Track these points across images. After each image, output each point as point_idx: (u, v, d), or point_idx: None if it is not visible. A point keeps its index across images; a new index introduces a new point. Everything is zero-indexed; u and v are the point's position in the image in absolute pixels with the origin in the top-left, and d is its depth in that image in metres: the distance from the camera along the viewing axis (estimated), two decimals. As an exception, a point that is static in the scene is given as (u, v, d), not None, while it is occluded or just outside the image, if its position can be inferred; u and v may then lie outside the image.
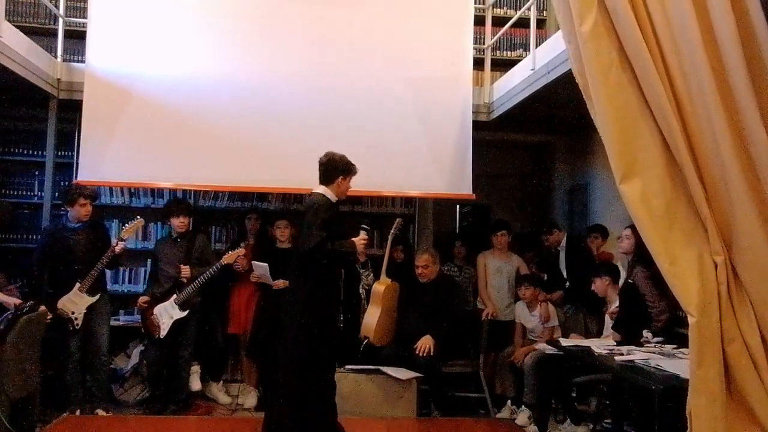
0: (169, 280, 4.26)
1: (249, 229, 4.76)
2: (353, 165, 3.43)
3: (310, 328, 3.19)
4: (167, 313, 4.21)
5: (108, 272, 4.40)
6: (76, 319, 4.01)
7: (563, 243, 4.80)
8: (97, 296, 4.06)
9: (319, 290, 3.23)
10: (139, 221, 4.17)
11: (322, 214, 3.18)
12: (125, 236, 4.13)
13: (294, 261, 3.40)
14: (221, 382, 4.73)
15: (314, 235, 3.12)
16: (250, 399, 4.57)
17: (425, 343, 4.16)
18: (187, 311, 4.21)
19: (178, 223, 4.33)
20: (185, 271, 4.22)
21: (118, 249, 4.08)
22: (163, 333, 4.19)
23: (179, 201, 4.62)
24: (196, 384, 4.46)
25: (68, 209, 4.11)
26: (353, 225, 5.24)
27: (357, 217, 5.39)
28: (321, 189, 3.35)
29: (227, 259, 4.25)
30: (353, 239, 3.37)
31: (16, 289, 4.20)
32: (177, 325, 4.22)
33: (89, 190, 4.20)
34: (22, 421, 3.44)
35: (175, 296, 4.21)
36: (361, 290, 4.61)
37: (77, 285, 4.02)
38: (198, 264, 4.30)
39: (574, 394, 4.16)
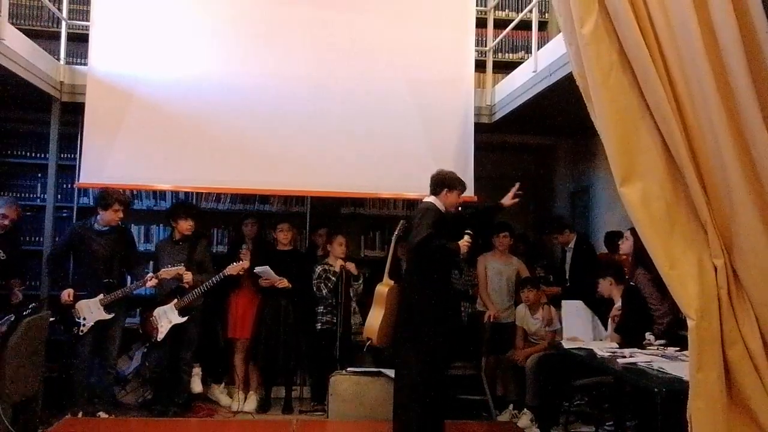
0: (170, 282, 4.27)
1: (246, 234, 4.76)
2: (460, 182, 3.75)
3: (430, 324, 3.44)
4: (166, 317, 4.22)
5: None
6: (83, 325, 4.02)
7: (571, 244, 4.79)
8: (111, 316, 4.08)
9: (433, 287, 3.49)
10: (181, 268, 4.17)
11: (431, 215, 3.52)
12: (162, 276, 4.14)
13: (408, 265, 3.71)
14: (223, 383, 4.74)
15: (423, 231, 3.41)
16: (252, 402, 4.57)
17: None
18: (186, 317, 4.21)
19: (186, 226, 4.34)
20: (187, 276, 4.22)
21: (149, 284, 4.15)
22: (160, 336, 4.20)
23: (186, 203, 4.60)
24: (197, 386, 4.46)
25: (100, 212, 4.12)
26: (356, 227, 5.35)
27: (359, 219, 5.42)
28: (431, 198, 3.70)
29: (231, 270, 4.26)
30: (458, 242, 3.58)
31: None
32: (178, 327, 4.22)
33: (125, 197, 4.24)
34: (24, 422, 3.45)
35: (176, 301, 4.22)
36: (351, 293, 4.65)
37: (101, 296, 4.05)
38: (198, 269, 4.31)
39: (576, 397, 4.15)
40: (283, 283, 4.47)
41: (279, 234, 4.63)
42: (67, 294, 4.01)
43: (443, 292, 3.56)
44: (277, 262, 4.55)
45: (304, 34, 4.57)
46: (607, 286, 3.94)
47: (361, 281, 4.69)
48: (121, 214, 4.14)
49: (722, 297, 2.14)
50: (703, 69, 2.13)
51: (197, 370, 4.49)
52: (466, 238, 3.61)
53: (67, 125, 4.71)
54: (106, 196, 4.12)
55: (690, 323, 2.13)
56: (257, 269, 4.43)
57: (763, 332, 2.16)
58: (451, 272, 3.71)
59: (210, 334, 4.58)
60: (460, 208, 3.93)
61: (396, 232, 4.32)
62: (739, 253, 2.17)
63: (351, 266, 4.62)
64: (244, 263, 4.33)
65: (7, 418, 3.20)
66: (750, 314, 2.16)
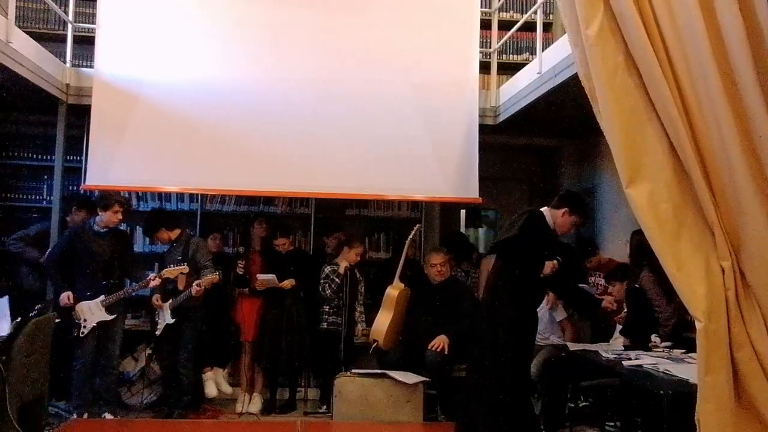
0: (167, 283, 4.27)
1: (256, 233, 4.76)
2: (586, 212, 3.41)
3: (517, 336, 3.23)
4: (162, 316, 4.26)
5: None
6: (84, 327, 4.03)
7: None
8: (114, 316, 4.10)
9: (521, 297, 3.25)
10: (184, 268, 4.17)
11: (532, 222, 3.20)
12: (165, 275, 4.15)
13: (493, 276, 3.41)
14: (226, 370, 4.68)
15: (512, 231, 3.16)
16: (256, 403, 4.58)
17: (440, 341, 4.15)
18: (174, 320, 4.22)
19: (165, 236, 4.39)
20: (181, 280, 4.23)
21: (152, 284, 4.16)
22: (157, 332, 4.26)
23: (158, 217, 4.55)
24: (212, 390, 4.47)
25: (100, 213, 4.13)
26: (360, 229, 5.35)
27: (364, 220, 5.42)
28: (545, 209, 3.37)
29: (167, 273, 4.17)
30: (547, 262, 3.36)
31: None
32: (175, 329, 4.24)
33: (125, 199, 4.25)
34: (31, 423, 3.46)
35: (171, 301, 4.24)
36: (357, 296, 4.69)
37: (102, 298, 4.06)
38: (192, 267, 4.28)
39: (581, 399, 4.14)
40: (286, 285, 4.47)
41: (279, 246, 4.63)
42: (66, 296, 4.02)
43: (530, 308, 3.33)
44: (281, 263, 4.57)
45: (309, 37, 4.57)
46: (621, 289, 3.91)
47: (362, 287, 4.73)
48: (120, 216, 4.15)
49: (730, 299, 2.13)
50: (709, 69, 2.12)
51: (210, 374, 4.50)
52: (555, 262, 3.34)
53: (72, 127, 4.73)
54: (106, 197, 4.15)
55: (698, 325, 2.13)
56: (261, 277, 4.44)
57: (772, 335, 2.15)
58: (534, 290, 3.38)
59: (213, 321, 4.53)
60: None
61: (410, 236, 4.35)
62: (746, 254, 2.16)
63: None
64: (183, 268, 4.21)
65: (15, 418, 3.21)
66: (758, 316, 2.15)
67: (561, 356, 3.82)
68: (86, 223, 4.28)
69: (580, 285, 4.31)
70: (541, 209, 3.38)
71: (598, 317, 4.12)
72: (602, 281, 4.33)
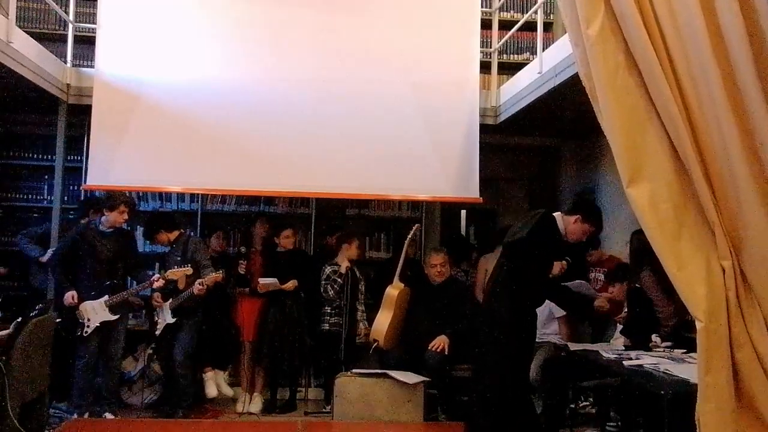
0: (169, 284, 4.27)
1: (257, 233, 4.76)
2: (599, 222, 3.36)
3: (518, 337, 3.24)
4: (163, 316, 4.26)
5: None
6: (87, 326, 4.03)
7: None
8: (117, 316, 4.10)
9: (523, 299, 3.26)
10: (188, 269, 4.17)
11: (541, 225, 3.20)
12: (169, 276, 4.14)
13: (496, 273, 3.41)
14: (226, 372, 4.68)
15: (522, 233, 3.16)
16: (257, 403, 4.58)
17: (440, 342, 4.15)
18: (175, 319, 4.23)
19: (164, 238, 4.39)
20: (181, 280, 4.23)
21: (156, 284, 4.15)
22: (157, 332, 4.27)
23: (157, 220, 4.55)
24: (212, 390, 4.47)
25: (106, 213, 4.13)
26: (361, 229, 5.35)
27: (364, 220, 5.42)
28: (558, 214, 3.35)
29: (170, 275, 4.18)
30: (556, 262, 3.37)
31: None
32: (173, 328, 4.24)
33: (131, 199, 4.26)
34: (32, 422, 3.46)
35: (171, 300, 4.25)
36: (358, 295, 4.68)
37: (105, 298, 4.06)
38: (193, 267, 4.26)
39: (581, 399, 4.14)
40: (289, 286, 4.48)
41: (283, 241, 4.62)
42: (71, 296, 4.02)
43: (531, 308, 3.33)
44: (281, 263, 4.57)
45: (309, 37, 4.57)
46: (622, 291, 3.91)
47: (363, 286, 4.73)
48: (126, 216, 4.16)
49: (730, 299, 2.13)
50: (710, 69, 2.12)
51: (211, 374, 4.49)
52: (563, 262, 3.37)
53: (73, 127, 4.73)
54: (113, 198, 4.15)
55: (699, 325, 2.13)
56: (263, 281, 4.44)
57: (772, 334, 2.15)
58: (538, 291, 3.35)
59: (213, 323, 4.53)
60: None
61: (410, 236, 4.35)
62: (747, 254, 2.16)
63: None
64: (187, 269, 4.21)
65: (15, 418, 3.21)
66: (758, 316, 2.15)
67: (561, 356, 3.82)
68: (91, 223, 4.27)
69: (579, 280, 4.31)
70: (554, 214, 3.36)
71: (591, 318, 4.13)
72: (602, 276, 4.33)
